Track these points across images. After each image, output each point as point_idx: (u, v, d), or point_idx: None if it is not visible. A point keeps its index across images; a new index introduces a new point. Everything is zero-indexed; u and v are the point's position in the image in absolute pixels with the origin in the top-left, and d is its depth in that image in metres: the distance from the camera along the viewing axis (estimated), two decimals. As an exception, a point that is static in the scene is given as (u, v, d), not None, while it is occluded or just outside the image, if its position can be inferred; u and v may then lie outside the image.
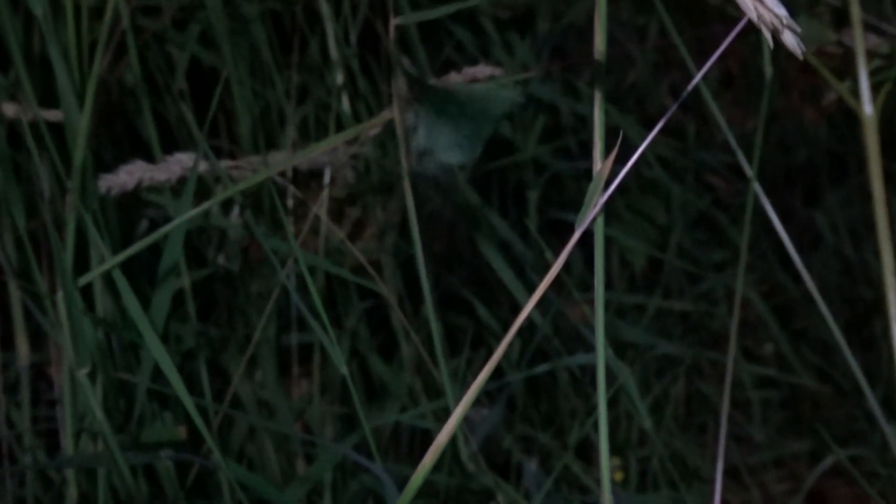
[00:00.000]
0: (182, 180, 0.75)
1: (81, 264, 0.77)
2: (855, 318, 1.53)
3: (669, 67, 1.66)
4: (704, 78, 1.69)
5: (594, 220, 0.52)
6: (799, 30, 0.38)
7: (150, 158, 1.04)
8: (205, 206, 0.61)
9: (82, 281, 0.62)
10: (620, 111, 1.55)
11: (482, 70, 0.73)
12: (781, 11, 0.38)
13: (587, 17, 1.16)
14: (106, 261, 0.67)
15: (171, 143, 1.13)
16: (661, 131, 1.58)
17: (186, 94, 1.13)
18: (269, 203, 1.08)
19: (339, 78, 1.11)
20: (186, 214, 0.62)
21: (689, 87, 0.57)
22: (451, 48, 1.24)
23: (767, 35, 0.38)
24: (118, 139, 1.19)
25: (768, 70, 0.92)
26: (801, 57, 0.39)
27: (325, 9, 1.09)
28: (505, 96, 0.72)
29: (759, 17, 0.38)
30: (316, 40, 1.16)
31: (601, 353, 0.43)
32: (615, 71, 1.57)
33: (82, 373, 0.62)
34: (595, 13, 0.55)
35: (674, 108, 0.53)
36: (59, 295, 0.60)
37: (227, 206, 1.00)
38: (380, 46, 1.18)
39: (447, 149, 0.73)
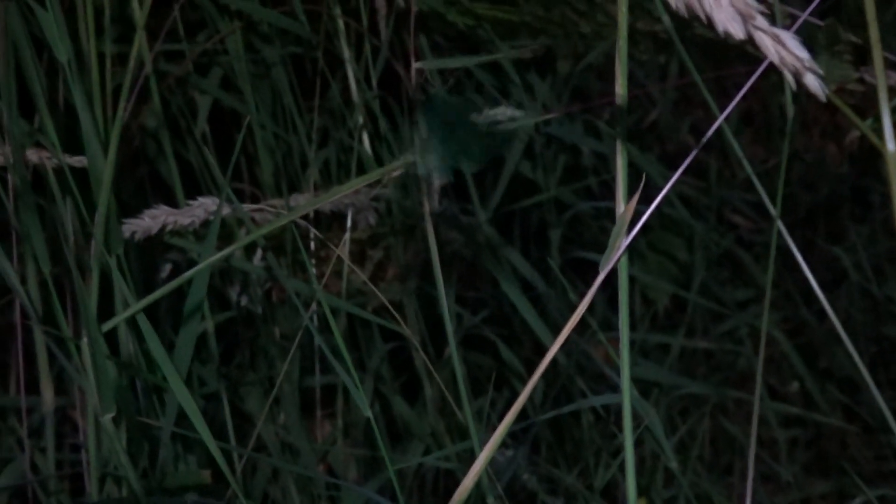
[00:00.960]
0: (205, 224, 0.75)
1: (105, 306, 0.77)
2: (881, 356, 1.52)
3: (690, 106, 1.66)
4: (725, 117, 1.69)
5: (618, 261, 0.52)
6: (821, 72, 0.38)
7: (171, 200, 1.05)
8: (228, 250, 0.61)
9: (106, 327, 0.62)
10: (641, 150, 1.55)
11: (503, 111, 0.73)
12: (803, 54, 0.38)
13: (607, 57, 1.16)
14: (130, 304, 0.67)
15: (193, 186, 1.14)
16: (684, 171, 1.57)
17: (208, 137, 1.13)
18: (292, 245, 1.08)
19: (361, 120, 1.11)
20: (210, 259, 0.62)
21: (712, 129, 0.58)
22: (472, 89, 1.24)
23: (790, 78, 0.38)
24: (140, 181, 1.20)
25: (790, 109, 0.91)
26: (823, 99, 0.39)
27: (346, 52, 1.10)
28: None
29: (782, 60, 0.38)
30: (337, 83, 1.17)
31: (627, 399, 0.43)
32: (636, 110, 1.57)
33: (107, 418, 0.62)
34: (616, 57, 0.55)
35: (696, 150, 0.53)
36: (84, 341, 0.60)
37: (249, 248, 1.00)
38: (401, 88, 1.19)
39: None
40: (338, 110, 1.16)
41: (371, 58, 1.14)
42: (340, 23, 1.13)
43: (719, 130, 0.91)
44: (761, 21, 0.38)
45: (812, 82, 0.38)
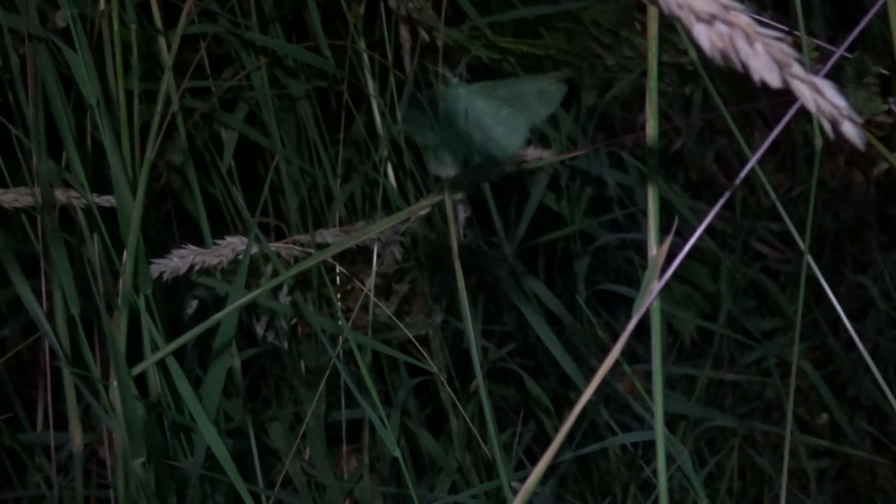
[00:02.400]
0: (233, 263, 0.75)
1: (132, 342, 0.77)
2: (909, 385, 1.51)
3: (715, 133, 1.66)
4: (749, 145, 1.69)
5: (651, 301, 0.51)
6: (860, 120, 0.38)
7: (196, 234, 1.05)
8: (257, 293, 0.61)
9: (136, 371, 0.62)
10: (666, 178, 1.54)
11: (532, 152, 0.73)
12: (841, 103, 0.37)
13: (631, 88, 1.16)
14: (158, 345, 0.67)
15: (219, 219, 1.14)
16: (709, 199, 1.57)
17: (234, 172, 1.13)
18: (318, 279, 1.08)
19: (385, 153, 1.11)
20: (239, 302, 0.62)
21: (746, 170, 0.57)
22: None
23: (827, 126, 0.38)
24: (165, 214, 1.20)
25: (819, 142, 0.91)
26: (861, 147, 0.38)
27: (370, 85, 1.10)
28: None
29: (819, 108, 0.38)
30: (362, 116, 1.17)
31: (661, 451, 0.43)
32: (661, 138, 1.56)
33: (137, 462, 0.62)
34: (647, 102, 0.54)
35: (730, 192, 0.53)
36: (114, 385, 0.60)
37: (276, 287, 1.00)
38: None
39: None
40: (363, 143, 1.16)
41: (396, 91, 1.14)
42: (365, 56, 1.14)
43: (744, 159, 0.91)
44: (798, 69, 0.37)
45: (850, 130, 0.37)
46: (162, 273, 0.73)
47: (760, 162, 1.60)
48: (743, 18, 0.38)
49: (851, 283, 1.58)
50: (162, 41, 0.95)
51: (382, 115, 1.14)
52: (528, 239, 1.25)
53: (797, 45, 0.97)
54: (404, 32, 1.12)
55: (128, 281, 0.66)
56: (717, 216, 1.53)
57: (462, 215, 1.11)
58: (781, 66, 0.38)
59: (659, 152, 1.56)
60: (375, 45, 1.17)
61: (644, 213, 1.33)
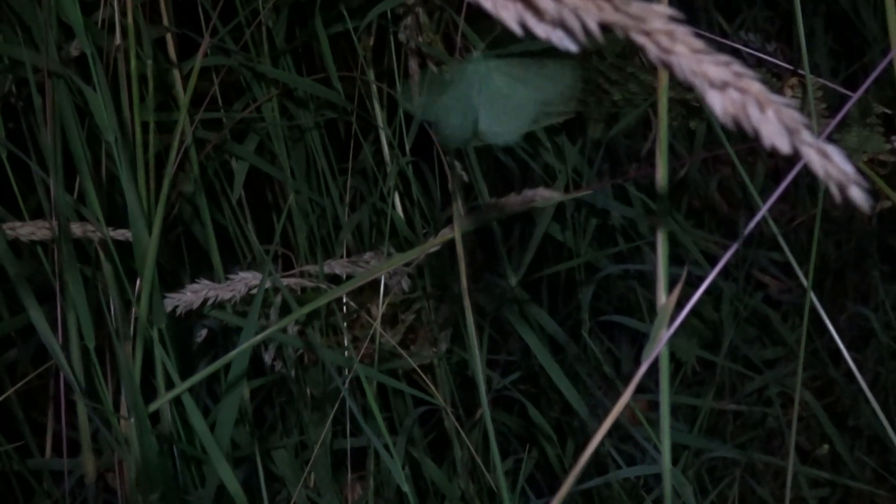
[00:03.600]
0: (246, 298, 0.76)
1: (144, 370, 0.78)
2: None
3: (718, 163, 1.67)
4: (752, 176, 1.70)
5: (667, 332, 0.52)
6: (867, 185, 0.39)
7: (205, 259, 1.06)
8: (269, 331, 0.62)
9: (151, 408, 0.63)
10: (670, 207, 1.55)
11: (541, 192, 0.74)
12: (848, 169, 0.39)
13: (638, 120, 1.17)
14: (172, 378, 0.68)
15: (228, 246, 1.15)
16: (710, 229, 1.58)
17: (243, 201, 1.15)
18: (326, 308, 1.09)
19: (393, 184, 1.13)
20: (253, 340, 0.63)
21: (751, 224, 0.58)
22: (502, 151, 1.26)
23: (835, 190, 0.39)
24: (175, 239, 1.21)
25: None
26: (867, 212, 0.39)
27: (379, 117, 1.11)
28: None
29: (827, 173, 0.39)
30: (370, 145, 1.18)
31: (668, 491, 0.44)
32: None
33: (153, 498, 0.63)
34: (657, 145, 0.56)
35: (736, 245, 0.54)
36: (130, 422, 0.61)
37: (284, 314, 1.02)
38: (433, 150, 1.20)
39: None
40: (370, 172, 1.18)
41: (404, 122, 1.15)
42: (374, 87, 1.15)
43: (746, 188, 0.92)
44: (807, 135, 0.38)
45: (857, 196, 0.39)
46: (176, 307, 0.74)
47: (762, 192, 1.61)
48: (755, 85, 0.39)
49: (853, 313, 1.59)
50: (176, 73, 0.96)
51: (390, 145, 1.15)
52: (532, 267, 1.26)
53: (801, 84, 0.99)
54: (413, 65, 1.13)
55: (142, 315, 0.67)
56: (720, 245, 1.54)
57: (467, 245, 1.12)
58: (791, 133, 0.39)
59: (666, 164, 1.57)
60: (384, 76, 1.19)
61: (649, 244, 1.34)
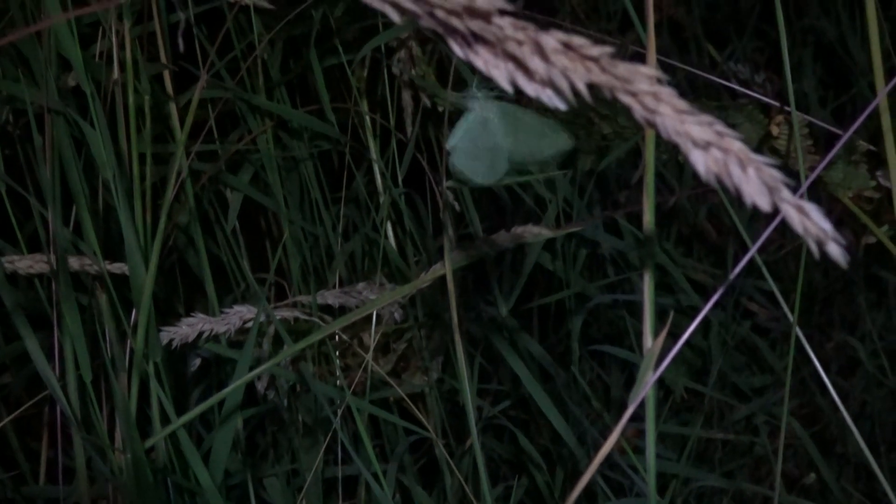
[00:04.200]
0: (241, 331, 0.77)
1: (140, 402, 0.79)
2: (896, 443, 1.53)
3: (707, 191, 1.69)
4: (740, 203, 1.71)
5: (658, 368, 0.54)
6: (843, 242, 0.40)
7: (199, 287, 1.07)
8: (264, 367, 0.63)
9: (148, 443, 0.64)
10: (659, 235, 1.57)
11: (531, 229, 0.75)
12: (826, 226, 0.40)
13: (628, 152, 1.19)
14: (167, 413, 0.69)
15: (222, 275, 1.16)
16: (699, 256, 1.59)
17: (238, 230, 1.16)
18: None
19: (385, 214, 1.14)
20: (247, 377, 0.64)
21: (745, 259, 0.60)
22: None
23: (813, 246, 0.41)
24: (169, 268, 1.22)
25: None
26: (845, 266, 0.41)
27: (372, 148, 1.13)
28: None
29: (806, 230, 0.40)
30: (363, 176, 1.19)
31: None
32: (655, 196, 1.59)
33: (148, 532, 0.64)
34: (644, 190, 0.57)
35: (725, 284, 0.55)
36: (128, 458, 0.62)
37: (277, 344, 1.03)
38: (425, 180, 1.22)
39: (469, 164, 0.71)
40: (363, 203, 1.19)
41: (397, 153, 1.16)
42: (367, 119, 1.16)
43: (735, 214, 0.94)
44: (787, 194, 0.40)
45: (835, 252, 0.40)
46: (172, 340, 0.75)
47: (751, 218, 1.63)
48: (737, 145, 0.41)
49: (840, 341, 1.61)
50: (172, 105, 0.97)
51: (383, 176, 1.17)
52: (523, 295, 1.27)
53: (787, 121, 1.00)
54: (406, 97, 1.15)
55: (139, 350, 0.69)
56: (708, 274, 1.55)
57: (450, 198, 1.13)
58: (772, 191, 0.40)
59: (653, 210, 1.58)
60: (377, 107, 1.20)
61: (639, 274, 1.36)
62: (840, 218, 1.71)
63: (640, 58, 1.31)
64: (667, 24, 1.78)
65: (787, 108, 0.99)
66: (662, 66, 1.47)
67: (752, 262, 1.66)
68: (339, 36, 1.10)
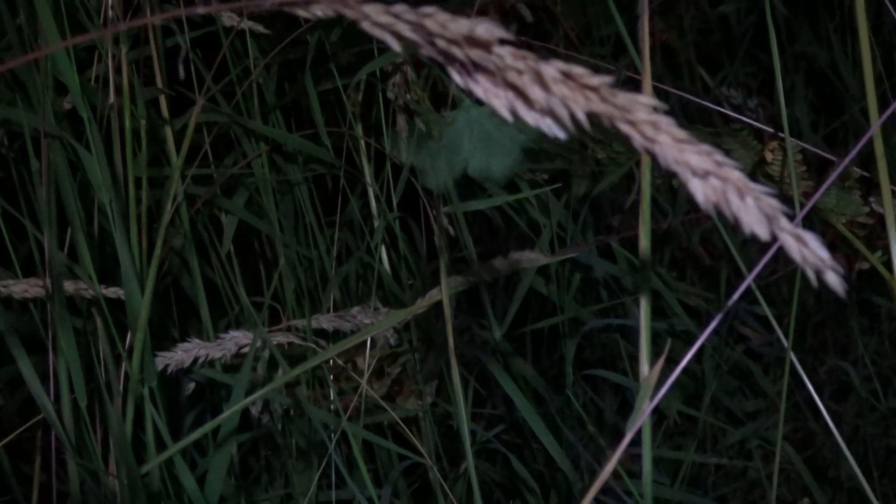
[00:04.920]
0: (236, 355, 0.77)
1: (135, 426, 0.79)
2: (889, 468, 1.53)
3: (701, 215, 1.69)
4: (734, 228, 1.72)
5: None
6: (841, 271, 0.41)
7: (193, 310, 1.07)
8: (259, 394, 0.63)
9: (144, 469, 0.64)
10: (652, 260, 1.57)
11: (526, 255, 0.75)
12: (824, 255, 0.40)
13: (622, 177, 1.19)
14: (163, 438, 0.69)
15: (216, 297, 1.16)
16: (693, 280, 1.59)
17: (232, 253, 1.16)
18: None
19: (380, 238, 1.14)
20: (243, 403, 0.64)
21: (741, 287, 0.60)
22: (488, 208, 1.27)
23: (811, 275, 0.41)
24: (164, 290, 1.22)
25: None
26: (842, 296, 0.41)
27: (367, 173, 1.13)
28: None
29: (804, 258, 0.40)
30: (357, 199, 1.20)
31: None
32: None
33: (143, 559, 0.63)
34: (640, 219, 0.57)
35: (720, 315, 0.55)
36: (123, 483, 0.62)
37: (271, 368, 1.03)
38: (419, 204, 1.22)
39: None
40: (357, 226, 1.19)
41: (391, 177, 1.17)
42: (362, 142, 1.17)
43: (729, 238, 0.94)
44: (785, 223, 0.40)
45: (833, 280, 0.40)
46: (167, 366, 0.75)
47: (744, 242, 1.63)
48: (735, 174, 0.41)
49: (833, 365, 1.61)
50: (168, 129, 0.97)
51: (377, 199, 1.17)
52: (517, 318, 1.27)
53: (781, 147, 1.01)
54: (401, 121, 1.15)
55: (134, 375, 0.68)
56: (702, 298, 1.56)
57: (452, 299, 1.14)
58: (770, 220, 0.40)
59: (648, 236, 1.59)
60: (372, 130, 1.20)
61: (633, 300, 1.36)
62: (833, 242, 1.71)
63: (633, 83, 1.32)
64: (660, 48, 1.79)
65: (780, 134, 0.99)
66: (657, 91, 1.48)
67: (745, 286, 1.66)
68: (335, 60, 1.10)
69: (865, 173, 0.99)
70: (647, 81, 0.58)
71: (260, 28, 1.04)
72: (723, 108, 1.63)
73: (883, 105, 0.75)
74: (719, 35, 1.85)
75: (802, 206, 1.08)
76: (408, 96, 1.11)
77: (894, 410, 1.54)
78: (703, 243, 1.68)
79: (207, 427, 0.64)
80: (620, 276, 1.28)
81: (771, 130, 0.99)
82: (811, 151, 1.01)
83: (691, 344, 1.57)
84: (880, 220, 1.03)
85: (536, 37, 1.73)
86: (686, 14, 1.81)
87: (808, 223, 1.67)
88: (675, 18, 1.81)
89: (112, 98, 0.87)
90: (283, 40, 1.06)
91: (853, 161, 1.01)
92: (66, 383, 0.77)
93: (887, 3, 1.03)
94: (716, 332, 1.50)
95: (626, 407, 1.53)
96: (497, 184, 0.71)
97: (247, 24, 1.01)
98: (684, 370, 1.56)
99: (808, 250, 0.41)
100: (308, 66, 1.08)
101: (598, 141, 1.06)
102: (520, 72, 0.41)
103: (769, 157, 0.96)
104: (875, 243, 1.03)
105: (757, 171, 1.00)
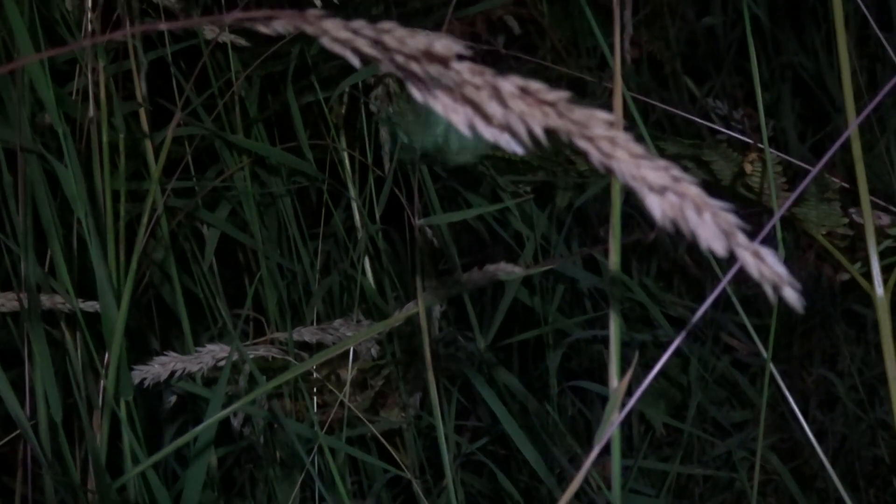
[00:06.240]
0: (216, 368, 0.77)
1: (112, 439, 0.79)
2: (876, 478, 1.53)
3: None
4: (691, 244, 1.72)
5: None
6: (799, 287, 0.41)
7: (175, 323, 1.07)
8: (236, 405, 0.63)
9: (117, 483, 0.64)
10: (639, 270, 1.58)
11: (504, 267, 0.76)
12: (782, 270, 0.40)
13: (606, 186, 1.19)
14: (138, 455, 0.69)
15: (198, 310, 1.16)
16: (680, 291, 1.58)
17: (214, 266, 1.16)
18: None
19: (363, 251, 1.14)
20: (220, 415, 0.64)
21: (716, 291, 0.60)
22: (473, 219, 1.27)
23: (769, 291, 0.41)
24: (146, 304, 1.22)
25: (782, 251, 0.94)
26: (801, 311, 0.41)
27: (351, 187, 1.13)
28: None
29: (762, 274, 0.41)
30: (341, 211, 1.20)
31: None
32: (635, 231, 1.60)
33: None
34: (610, 235, 0.57)
35: (697, 316, 0.55)
36: (98, 498, 0.62)
37: (253, 381, 1.03)
38: (403, 216, 1.22)
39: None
40: (341, 239, 1.19)
41: (375, 189, 1.17)
42: (345, 155, 1.17)
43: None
44: (742, 238, 0.40)
45: (790, 296, 0.40)
46: (144, 379, 0.75)
47: (732, 255, 1.63)
48: (692, 189, 0.41)
49: (819, 375, 1.61)
50: (148, 143, 0.97)
51: (361, 212, 1.17)
52: (502, 328, 1.27)
53: (762, 158, 1.01)
54: (384, 133, 1.15)
55: (110, 389, 0.68)
56: (687, 308, 1.56)
57: (437, 310, 1.14)
58: (727, 236, 0.41)
59: (634, 243, 1.59)
60: (355, 143, 1.21)
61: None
62: (819, 253, 1.71)
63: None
64: (646, 60, 1.79)
65: (760, 146, 0.99)
66: (640, 104, 1.48)
67: (731, 295, 1.66)
68: (317, 73, 1.10)
69: (845, 185, 0.99)
70: (618, 97, 0.58)
71: (241, 41, 1.04)
72: (709, 118, 1.64)
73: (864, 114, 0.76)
74: (706, 46, 1.86)
75: (782, 217, 1.09)
76: (390, 108, 1.11)
77: (881, 421, 1.55)
78: (689, 253, 1.68)
79: (183, 439, 0.64)
80: (604, 287, 1.28)
81: (752, 142, 0.99)
82: (796, 162, 1.02)
83: (677, 355, 1.59)
84: (861, 231, 1.03)
85: (524, 48, 1.74)
86: (672, 25, 1.81)
87: (791, 234, 1.67)
88: (660, 30, 1.81)
89: (92, 112, 0.87)
90: (265, 53, 1.06)
91: (837, 172, 1.01)
92: (42, 398, 0.77)
93: (870, 18, 1.03)
94: (701, 342, 1.50)
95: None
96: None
97: (228, 37, 1.02)
98: (670, 380, 1.56)
99: (766, 266, 0.41)
100: (290, 79, 1.08)
101: (580, 153, 1.06)
102: (477, 87, 0.41)
103: (749, 168, 0.96)
104: (857, 254, 1.04)
105: (737, 183, 1.00)
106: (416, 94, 0.42)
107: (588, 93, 1.62)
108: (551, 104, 0.41)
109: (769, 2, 1.84)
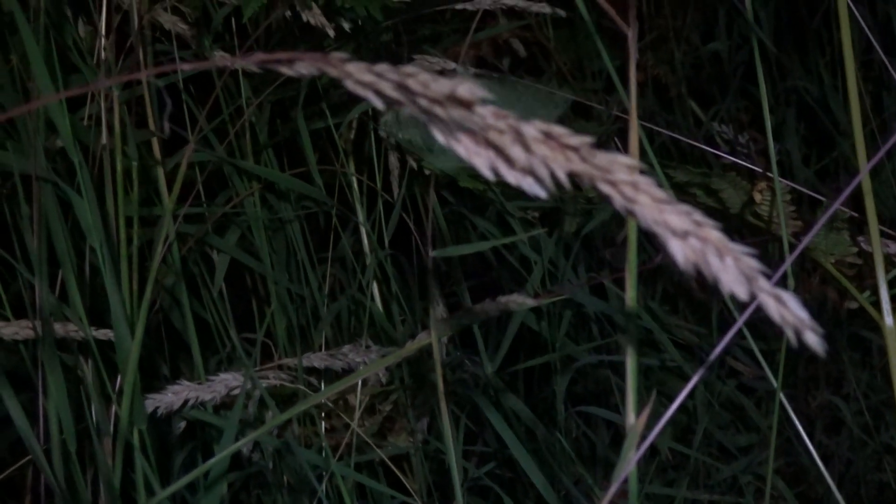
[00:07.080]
0: (227, 396, 0.78)
1: (125, 467, 0.79)
2: (881, 503, 1.53)
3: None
4: (713, 288, 1.72)
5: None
6: (821, 331, 0.41)
7: (184, 347, 1.07)
8: (250, 437, 0.63)
9: (132, 516, 0.64)
10: (644, 294, 1.58)
11: (515, 298, 0.76)
12: (803, 315, 0.41)
13: (614, 214, 1.20)
14: (151, 484, 0.69)
15: (207, 335, 1.16)
16: (685, 314, 1.59)
17: (224, 291, 1.16)
18: (303, 398, 1.10)
19: (371, 276, 1.14)
20: (234, 447, 0.64)
21: (733, 329, 0.60)
22: (477, 238, 1.28)
23: (791, 335, 0.41)
24: (155, 327, 1.22)
25: (791, 283, 0.94)
26: (822, 355, 0.41)
27: (359, 212, 1.13)
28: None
29: (783, 318, 0.41)
30: (349, 236, 1.20)
31: None
32: (641, 252, 1.60)
33: None
34: (626, 270, 0.58)
35: (715, 352, 0.55)
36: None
37: (262, 407, 1.03)
38: (411, 241, 1.22)
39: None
40: (350, 264, 1.19)
41: (383, 215, 1.17)
42: (354, 180, 1.17)
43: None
44: (764, 283, 0.40)
45: (812, 339, 0.40)
46: (157, 408, 0.75)
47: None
48: (714, 234, 0.41)
49: (825, 400, 1.61)
50: (160, 169, 0.98)
51: (369, 237, 1.17)
52: (509, 354, 1.28)
53: (770, 187, 1.01)
54: (393, 159, 1.15)
55: (124, 418, 0.69)
56: (693, 332, 1.56)
57: (444, 337, 1.14)
58: (749, 280, 0.41)
59: (639, 264, 1.59)
60: (364, 168, 1.21)
61: (625, 337, 1.36)
62: (823, 277, 1.72)
63: (623, 122, 1.33)
64: (651, 83, 1.80)
65: (769, 174, 1.00)
66: (647, 130, 1.49)
67: (737, 319, 1.67)
68: (327, 99, 1.11)
69: (854, 213, 0.99)
70: (634, 137, 0.58)
71: (253, 67, 1.04)
72: (714, 143, 1.64)
73: (870, 141, 0.76)
74: (711, 70, 1.86)
75: (791, 246, 1.09)
76: (400, 135, 1.12)
77: (886, 445, 1.55)
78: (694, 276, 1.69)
79: (196, 472, 0.64)
80: (612, 313, 1.29)
81: (760, 170, 1.00)
82: (803, 189, 1.02)
83: (683, 378, 1.58)
84: (869, 259, 1.04)
85: (529, 71, 1.74)
86: (678, 49, 1.82)
87: (798, 261, 1.67)
88: (666, 53, 1.82)
89: (104, 139, 0.87)
90: (276, 79, 1.06)
91: (845, 202, 1.01)
92: (55, 425, 0.78)
93: (875, 42, 1.04)
94: (708, 367, 1.50)
95: (618, 440, 1.53)
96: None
97: (239, 64, 1.02)
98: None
99: (787, 310, 0.41)
100: (300, 105, 1.09)
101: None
102: (501, 131, 0.41)
103: (758, 197, 0.97)
104: (865, 282, 1.04)
105: (746, 212, 1.00)
106: (439, 136, 0.42)
107: (594, 116, 1.63)
108: (574, 149, 0.41)
109: (774, 26, 1.84)
